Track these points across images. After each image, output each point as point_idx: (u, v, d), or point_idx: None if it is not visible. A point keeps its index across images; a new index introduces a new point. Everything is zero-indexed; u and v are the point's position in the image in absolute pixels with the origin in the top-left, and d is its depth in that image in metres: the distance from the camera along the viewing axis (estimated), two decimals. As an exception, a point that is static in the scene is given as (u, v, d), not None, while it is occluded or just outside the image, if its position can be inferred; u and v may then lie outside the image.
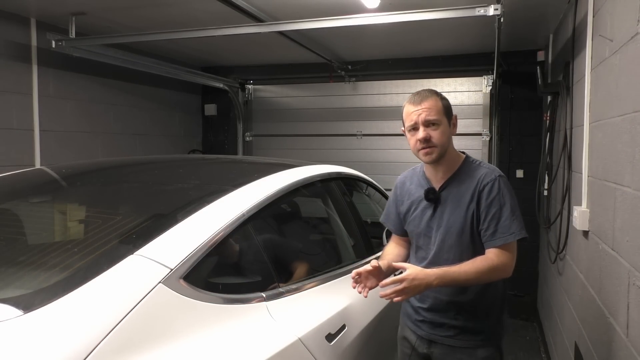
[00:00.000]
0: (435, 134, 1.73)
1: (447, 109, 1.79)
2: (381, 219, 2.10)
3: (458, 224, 1.76)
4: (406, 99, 1.84)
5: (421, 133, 1.74)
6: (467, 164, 1.83)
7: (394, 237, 2.06)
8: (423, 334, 1.88)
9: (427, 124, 1.74)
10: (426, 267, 1.76)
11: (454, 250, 1.77)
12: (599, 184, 2.24)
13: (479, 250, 1.75)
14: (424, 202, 1.84)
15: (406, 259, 1.97)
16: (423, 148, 1.75)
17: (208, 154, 5.97)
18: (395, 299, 1.61)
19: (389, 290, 1.61)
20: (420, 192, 1.86)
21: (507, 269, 1.70)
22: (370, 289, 1.73)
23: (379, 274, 1.74)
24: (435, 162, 1.79)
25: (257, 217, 1.74)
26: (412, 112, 1.76)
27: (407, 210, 1.91)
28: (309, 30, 3.68)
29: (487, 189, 1.73)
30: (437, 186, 1.83)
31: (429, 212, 1.83)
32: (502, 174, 1.79)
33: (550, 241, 3.74)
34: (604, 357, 2.06)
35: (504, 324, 1.86)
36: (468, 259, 1.71)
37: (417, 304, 1.88)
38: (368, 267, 1.72)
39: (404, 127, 1.84)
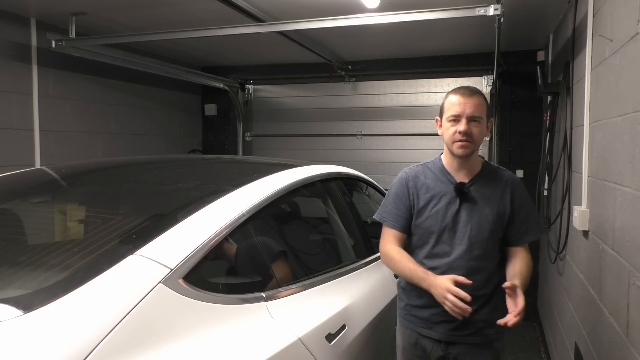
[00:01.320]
0: (475, 131, 1.78)
1: (489, 112, 1.86)
2: (380, 216, 1.98)
3: (490, 220, 1.81)
4: (452, 91, 1.85)
5: (463, 126, 1.76)
6: (488, 165, 1.94)
7: (394, 237, 1.93)
8: (441, 337, 1.85)
9: (472, 119, 1.77)
10: (452, 262, 1.80)
11: (484, 245, 1.81)
12: (599, 184, 2.24)
13: (500, 246, 1.87)
14: (448, 196, 1.83)
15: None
16: (461, 140, 1.77)
17: (208, 154, 5.97)
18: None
19: (514, 319, 1.66)
20: (442, 187, 1.86)
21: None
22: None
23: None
24: (466, 157, 1.82)
25: (257, 217, 1.74)
26: (460, 103, 1.78)
27: (425, 205, 1.86)
28: (309, 30, 3.68)
29: (518, 191, 1.85)
30: (466, 181, 1.86)
31: (454, 206, 1.82)
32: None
33: (550, 241, 3.74)
34: (604, 357, 2.06)
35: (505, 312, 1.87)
36: (493, 254, 1.83)
37: (436, 303, 1.76)
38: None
39: (442, 116, 1.85)
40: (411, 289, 1.91)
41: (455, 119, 1.78)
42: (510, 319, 1.63)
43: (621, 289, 1.80)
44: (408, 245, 1.95)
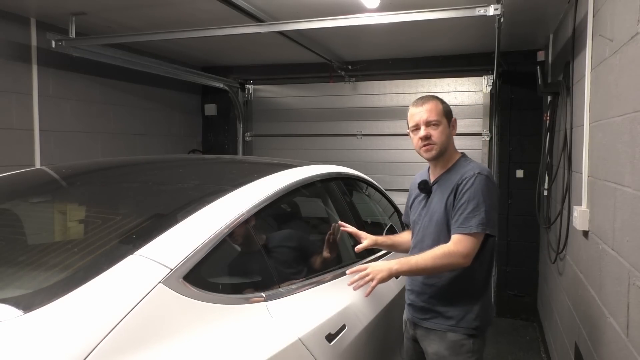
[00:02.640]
0: (435, 133, 1.95)
1: (447, 112, 2.00)
2: (403, 218, 2.36)
3: (438, 213, 1.96)
4: (411, 103, 2.05)
5: (422, 131, 1.95)
6: (460, 161, 2.03)
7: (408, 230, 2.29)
8: (409, 317, 2.10)
9: (428, 123, 1.95)
10: (415, 251, 2.02)
11: (432, 237, 1.97)
12: (599, 184, 2.24)
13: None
14: (422, 194, 2.09)
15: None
16: (424, 145, 1.97)
17: (208, 154, 5.97)
18: (366, 284, 1.83)
19: (356, 276, 1.84)
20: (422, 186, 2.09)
21: (462, 258, 1.83)
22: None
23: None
24: (435, 159, 2.01)
25: (257, 217, 1.74)
26: (415, 114, 1.99)
27: (413, 202, 2.17)
28: (309, 30, 3.68)
29: (463, 183, 1.91)
30: (432, 180, 2.06)
31: (424, 202, 2.07)
32: (485, 173, 1.93)
33: (550, 241, 3.74)
34: (604, 357, 2.06)
35: (480, 315, 1.95)
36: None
37: (407, 286, 2.11)
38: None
39: (409, 128, 2.04)
40: None
41: (416, 128, 1.98)
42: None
43: (621, 289, 1.80)
44: None
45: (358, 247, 2.14)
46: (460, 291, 1.95)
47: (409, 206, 2.20)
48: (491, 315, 2.07)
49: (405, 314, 2.15)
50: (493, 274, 5.03)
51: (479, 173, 1.90)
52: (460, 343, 1.94)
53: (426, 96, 2.03)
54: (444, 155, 1.99)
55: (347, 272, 1.88)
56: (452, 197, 1.92)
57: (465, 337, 1.94)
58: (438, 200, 1.99)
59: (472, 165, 1.98)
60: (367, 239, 2.15)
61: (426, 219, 2.02)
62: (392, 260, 1.88)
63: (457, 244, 1.84)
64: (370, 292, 1.86)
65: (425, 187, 2.05)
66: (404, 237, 2.27)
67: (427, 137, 1.94)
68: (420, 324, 2.04)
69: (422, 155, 2.01)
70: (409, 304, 2.09)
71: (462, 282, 1.94)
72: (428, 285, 1.99)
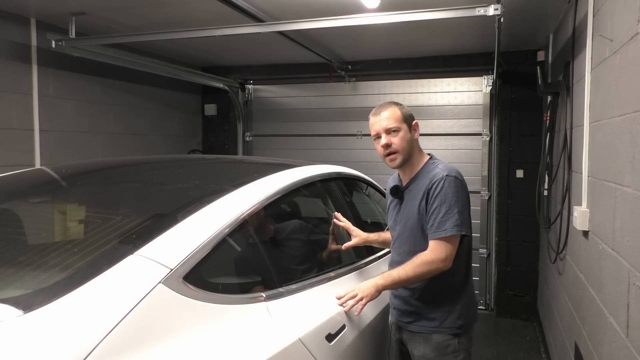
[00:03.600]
0: (395, 140, 1.95)
1: (406, 117, 2.00)
2: None
3: (411, 219, 1.97)
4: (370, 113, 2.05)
5: (383, 140, 1.96)
6: (427, 164, 2.03)
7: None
8: (394, 321, 2.11)
9: (388, 131, 1.96)
10: (394, 256, 2.08)
11: (408, 242, 1.99)
12: (599, 184, 2.24)
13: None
14: (395, 200, 2.10)
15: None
16: (387, 155, 1.98)
17: (208, 154, 5.97)
18: (356, 305, 1.84)
19: (345, 297, 1.85)
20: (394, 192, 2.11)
21: (441, 263, 1.85)
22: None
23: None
24: (400, 167, 2.02)
25: (257, 217, 1.74)
26: (373, 123, 2.01)
27: (388, 207, 2.19)
28: (309, 30, 3.68)
29: (433, 187, 1.91)
30: (404, 184, 2.07)
31: (397, 208, 2.08)
32: (453, 174, 1.92)
33: (550, 241, 3.74)
34: (604, 357, 2.06)
35: (463, 314, 1.97)
36: (421, 250, 1.91)
37: (390, 292, 2.11)
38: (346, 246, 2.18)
39: (371, 137, 2.06)
40: None
41: (377, 137, 1.99)
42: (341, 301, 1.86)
43: (621, 289, 1.80)
44: None
45: (345, 245, 2.19)
46: (441, 292, 1.96)
47: (387, 211, 2.22)
48: (475, 313, 2.07)
49: (391, 318, 2.15)
50: (493, 273, 5.07)
51: (447, 175, 1.90)
52: (446, 344, 1.95)
53: (384, 103, 2.03)
54: (409, 160, 2.00)
55: (336, 297, 1.86)
56: (424, 202, 1.93)
57: (450, 337, 1.96)
58: (410, 205, 1.99)
59: (441, 167, 1.97)
60: (356, 237, 2.21)
61: (401, 225, 2.03)
62: (376, 276, 1.92)
63: (435, 250, 1.86)
64: (361, 310, 1.87)
65: (396, 193, 2.06)
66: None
67: (388, 145, 1.95)
68: (405, 327, 2.04)
69: (387, 164, 2.02)
70: (394, 308, 2.10)
71: (442, 283, 1.95)
72: (410, 289, 1.99)
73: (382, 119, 1.97)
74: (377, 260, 2.47)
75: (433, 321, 1.96)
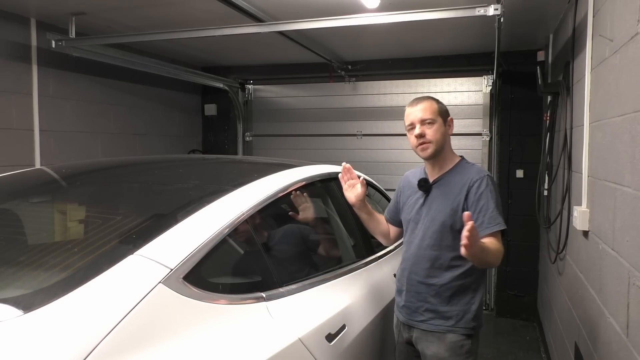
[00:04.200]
0: (429, 131, 1.97)
1: (442, 111, 2.02)
2: (384, 214, 2.33)
3: (442, 214, 1.96)
4: (407, 104, 2.07)
5: (417, 130, 1.98)
6: (461, 164, 2.05)
7: (384, 221, 2.31)
8: (404, 320, 2.06)
9: (423, 122, 1.97)
10: (409, 250, 2.05)
11: (435, 236, 1.97)
12: (599, 184, 2.24)
13: (456, 241, 1.85)
14: (419, 193, 2.07)
15: (380, 236, 2.28)
16: (420, 144, 1.98)
17: (208, 154, 5.97)
18: (467, 241, 1.62)
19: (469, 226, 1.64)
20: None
21: (500, 256, 1.88)
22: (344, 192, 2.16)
23: (358, 195, 2.14)
24: (431, 158, 2.01)
25: (257, 217, 1.74)
26: (409, 113, 2.02)
27: (406, 200, 2.14)
28: (309, 30, 3.68)
29: (475, 185, 1.93)
30: (431, 180, 2.06)
31: (421, 201, 2.05)
32: (490, 174, 2.00)
33: (550, 241, 3.74)
34: (604, 357, 2.06)
35: (477, 315, 1.97)
36: (446, 244, 1.93)
37: (400, 287, 2.09)
38: (362, 181, 2.15)
39: (405, 128, 2.06)
40: (397, 274, 2.16)
41: (412, 127, 2.00)
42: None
43: (621, 289, 1.80)
44: None
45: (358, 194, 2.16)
46: (461, 290, 1.95)
47: (400, 204, 2.18)
48: (482, 316, 2.07)
49: (398, 317, 2.12)
50: (493, 274, 5.07)
51: (487, 175, 1.96)
52: (460, 344, 1.94)
53: (422, 96, 2.06)
54: (440, 154, 2.01)
55: (466, 217, 1.64)
56: (460, 198, 1.93)
57: (464, 338, 1.95)
58: (442, 201, 1.98)
59: (476, 167, 2.03)
60: (363, 186, 2.16)
61: (427, 218, 2.00)
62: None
63: (499, 243, 1.87)
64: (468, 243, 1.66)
65: (424, 186, 2.04)
66: (382, 220, 2.29)
67: (421, 135, 1.96)
68: (417, 325, 2.01)
69: (418, 155, 2.02)
70: (404, 306, 2.06)
71: (463, 281, 1.95)
72: (427, 285, 1.97)
73: (418, 110, 1.99)
74: (377, 260, 2.47)
75: (449, 320, 1.95)
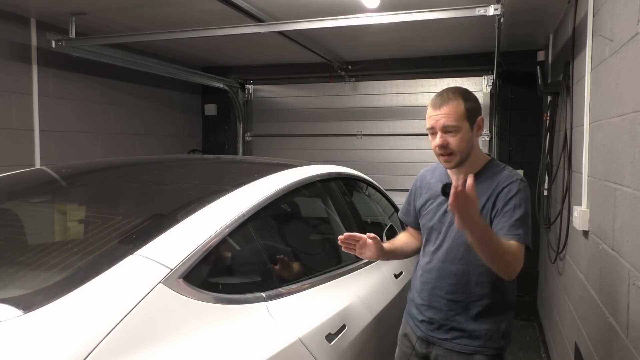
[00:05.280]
0: (453, 140, 1.70)
1: (470, 112, 1.72)
2: (399, 215, 2.13)
3: None
4: (431, 99, 1.77)
5: (438, 139, 1.71)
6: (491, 166, 1.81)
7: (408, 229, 2.08)
8: (422, 335, 1.88)
9: (445, 130, 1.70)
10: (432, 262, 1.83)
11: (462, 249, 1.75)
12: (599, 184, 2.24)
13: None
14: (441, 197, 1.81)
15: (415, 251, 2.01)
16: (441, 154, 1.74)
17: (208, 154, 5.97)
18: (452, 205, 1.42)
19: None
20: (439, 187, 1.82)
21: (518, 266, 1.62)
22: (359, 255, 1.83)
23: (377, 249, 1.83)
24: (455, 168, 1.77)
25: (257, 217, 1.74)
26: (431, 116, 1.73)
27: (424, 203, 1.91)
28: (309, 30, 3.68)
29: (505, 190, 1.70)
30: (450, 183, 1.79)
31: (444, 207, 1.80)
32: (524, 179, 1.75)
33: (550, 241, 3.74)
34: (604, 357, 2.06)
35: (506, 333, 1.80)
36: (474, 259, 1.69)
37: (419, 301, 1.89)
38: (369, 235, 1.80)
39: (426, 128, 1.80)
40: (412, 283, 1.99)
41: (433, 132, 1.74)
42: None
43: (621, 289, 1.80)
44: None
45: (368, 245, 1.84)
46: (492, 309, 1.77)
47: (418, 207, 1.94)
48: (511, 334, 1.86)
49: (413, 330, 1.92)
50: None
51: (521, 180, 1.73)
52: None
53: (447, 92, 1.73)
54: (467, 160, 1.76)
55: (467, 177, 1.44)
56: (489, 205, 1.71)
57: (491, 358, 1.78)
58: None
59: (509, 169, 1.79)
60: (375, 242, 1.83)
61: (454, 229, 1.74)
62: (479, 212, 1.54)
63: (518, 252, 1.61)
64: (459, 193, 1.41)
65: (449, 191, 1.72)
66: (404, 240, 2.04)
67: (443, 146, 1.70)
68: (439, 344, 1.82)
69: (440, 162, 1.79)
70: (422, 321, 1.86)
71: (495, 298, 1.76)
72: (455, 301, 1.78)
73: (441, 115, 1.69)
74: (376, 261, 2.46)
75: (477, 339, 1.76)
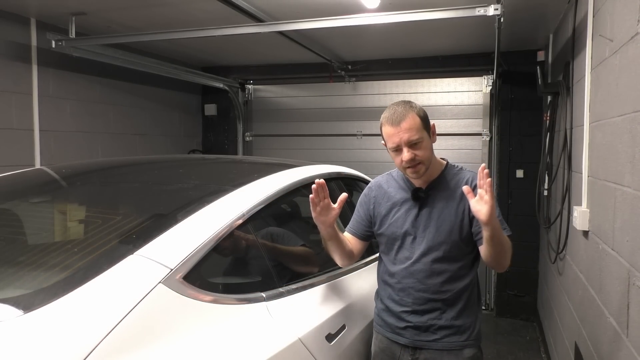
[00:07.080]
0: (419, 152, 1.75)
1: (424, 121, 1.78)
2: (348, 228, 2.02)
3: (448, 222, 1.79)
4: (383, 117, 1.81)
5: (407, 155, 1.74)
6: (449, 168, 1.90)
7: (349, 239, 1.97)
8: (407, 342, 1.85)
9: (410, 144, 1.74)
10: (410, 266, 1.82)
11: (442, 248, 1.79)
12: (599, 184, 2.24)
13: (466, 247, 1.81)
14: (409, 203, 1.86)
15: (345, 256, 1.91)
16: (409, 167, 1.77)
17: (208, 154, 5.97)
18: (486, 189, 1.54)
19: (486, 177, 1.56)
20: (402, 195, 1.88)
21: (510, 256, 1.73)
22: (316, 215, 1.73)
23: (333, 218, 1.75)
24: (423, 176, 1.81)
25: (257, 217, 1.74)
26: (393, 135, 1.76)
27: (387, 213, 1.90)
28: (309, 30, 3.68)
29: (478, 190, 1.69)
30: (420, 187, 1.86)
31: (414, 212, 1.84)
32: None
33: (550, 241, 3.74)
34: (604, 357, 2.06)
35: (480, 323, 1.90)
36: (457, 255, 1.80)
37: (399, 309, 1.85)
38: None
39: (386, 145, 1.83)
40: (382, 294, 1.94)
41: (397, 149, 1.77)
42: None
43: (621, 289, 1.80)
44: (380, 253, 1.99)
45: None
46: (470, 300, 1.84)
47: (380, 217, 1.91)
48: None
49: (394, 340, 1.87)
50: (493, 274, 5.07)
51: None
52: (476, 357, 1.85)
53: (399, 108, 1.77)
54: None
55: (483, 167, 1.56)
56: (464, 205, 1.76)
57: (478, 350, 1.86)
58: (443, 209, 1.80)
59: (468, 170, 1.89)
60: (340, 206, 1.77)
61: (430, 230, 1.80)
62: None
63: (510, 244, 1.72)
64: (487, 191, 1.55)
65: (423, 195, 1.83)
66: (347, 239, 1.95)
67: (412, 160, 1.74)
68: (428, 346, 1.82)
69: (408, 176, 1.82)
70: (404, 328, 1.84)
71: (471, 290, 1.84)
72: (439, 300, 1.81)
73: (403, 131, 1.73)
74: (377, 260, 2.46)
75: (464, 334, 1.82)
